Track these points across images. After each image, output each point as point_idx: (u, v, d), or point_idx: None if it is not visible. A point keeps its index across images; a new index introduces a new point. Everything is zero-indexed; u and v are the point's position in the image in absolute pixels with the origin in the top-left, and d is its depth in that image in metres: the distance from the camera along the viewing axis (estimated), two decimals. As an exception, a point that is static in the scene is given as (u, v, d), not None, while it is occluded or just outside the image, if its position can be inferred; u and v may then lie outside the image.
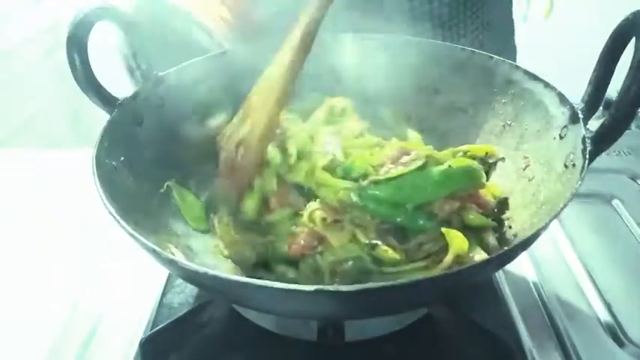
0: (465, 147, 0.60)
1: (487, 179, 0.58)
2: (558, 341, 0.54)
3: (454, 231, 0.49)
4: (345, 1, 0.61)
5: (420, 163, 0.51)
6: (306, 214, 0.54)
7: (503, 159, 0.60)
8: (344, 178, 0.54)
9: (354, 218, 0.52)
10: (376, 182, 0.51)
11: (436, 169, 0.51)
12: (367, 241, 0.51)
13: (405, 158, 0.52)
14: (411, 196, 0.51)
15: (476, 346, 0.53)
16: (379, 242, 0.51)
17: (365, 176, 0.53)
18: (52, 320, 0.58)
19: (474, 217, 0.53)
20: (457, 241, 0.48)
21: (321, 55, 0.73)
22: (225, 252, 0.58)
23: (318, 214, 0.53)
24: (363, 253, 0.51)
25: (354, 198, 0.52)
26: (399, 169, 0.51)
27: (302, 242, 0.53)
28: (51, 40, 1.70)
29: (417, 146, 0.55)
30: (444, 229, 0.49)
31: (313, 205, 0.55)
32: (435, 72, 0.68)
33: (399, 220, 0.51)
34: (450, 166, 0.51)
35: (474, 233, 0.53)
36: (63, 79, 1.62)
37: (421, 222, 0.51)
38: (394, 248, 0.50)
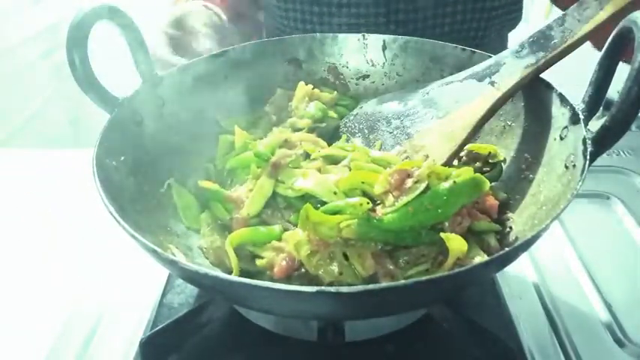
0: (468, 146, 0.60)
1: (492, 180, 0.58)
2: (558, 341, 0.54)
3: (453, 235, 0.49)
4: None
5: (423, 185, 0.50)
6: (290, 243, 0.51)
7: (504, 160, 0.60)
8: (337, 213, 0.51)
9: (350, 248, 0.50)
10: (386, 214, 0.50)
11: (442, 189, 0.50)
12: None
13: (408, 182, 0.51)
14: (422, 221, 0.50)
15: (476, 346, 0.53)
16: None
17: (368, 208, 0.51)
18: (52, 320, 0.58)
19: (479, 223, 0.53)
20: (456, 244, 0.48)
21: (321, 55, 0.73)
22: (210, 257, 0.56)
23: (305, 249, 0.49)
24: (358, 280, 0.50)
25: (363, 230, 0.49)
26: (405, 198, 0.50)
27: (284, 264, 0.51)
28: (51, 40, 1.70)
29: (415, 164, 0.52)
30: (442, 234, 0.49)
31: (298, 235, 0.51)
32: (436, 72, 0.68)
33: (406, 242, 0.51)
34: (454, 182, 0.50)
35: (475, 235, 0.52)
36: (63, 79, 1.62)
37: (427, 238, 0.50)
38: (392, 276, 0.49)
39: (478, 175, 0.51)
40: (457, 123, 0.59)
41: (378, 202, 0.52)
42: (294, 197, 0.56)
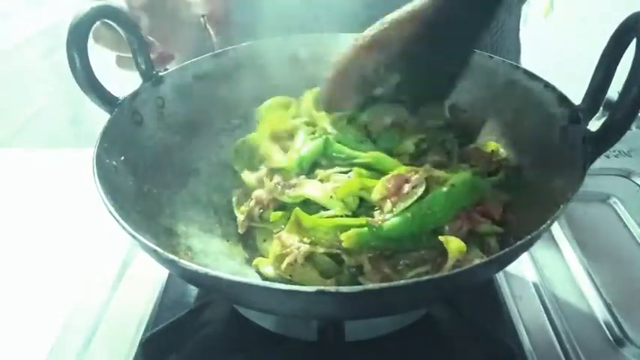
0: (472, 146, 0.60)
1: (498, 184, 0.57)
2: (558, 341, 0.54)
3: (452, 237, 0.48)
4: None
5: (422, 189, 0.50)
6: (271, 256, 0.51)
7: (507, 159, 0.59)
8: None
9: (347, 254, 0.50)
10: (385, 221, 0.49)
11: (440, 192, 0.50)
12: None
13: (406, 187, 0.50)
14: (422, 226, 0.49)
15: (476, 346, 0.53)
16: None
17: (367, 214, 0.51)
18: (52, 320, 0.58)
19: (480, 226, 0.52)
20: (455, 246, 0.48)
21: (322, 54, 0.73)
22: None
23: (288, 260, 0.49)
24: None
25: (364, 240, 0.49)
26: (403, 204, 0.49)
27: None
28: (51, 40, 1.70)
29: (413, 170, 0.52)
30: (441, 237, 0.48)
31: (276, 244, 0.50)
32: (436, 72, 0.68)
33: (407, 247, 0.50)
34: (452, 185, 0.50)
35: (475, 237, 0.52)
36: (63, 79, 1.62)
37: (428, 242, 0.50)
38: (390, 279, 0.48)
39: (476, 177, 0.51)
40: None
41: (377, 208, 0.52)
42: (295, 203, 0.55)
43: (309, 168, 0.59)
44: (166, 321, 0.55)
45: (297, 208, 0.50)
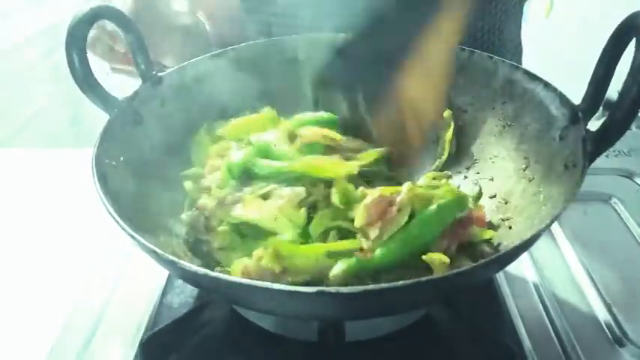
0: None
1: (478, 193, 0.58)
2: (558, 341, 0.54)
3: (434, 255, 0.47)
4: None
5: (408, 212, 0.48)
6: (255, 256, 0.48)
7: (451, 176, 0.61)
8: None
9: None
10: (374, 249, 0.47)
11: (429, 214, 0.48)
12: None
13: (391, 210, 0.48)
14: (412, 249, 0.48)
15: (476, 346, 0.53)
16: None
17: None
18: (52, 320, 0.58)
19: (468, 236, 0.52)
20: (438, 262, 0.47)
21: (321, 55, 0.73)
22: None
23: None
24: None
25: (352, 274, 0.47)
26: (392, 228, 0.48)
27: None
28: (51, 40, 1.70)
29: (395, 190, 0.50)
30: (425, 257, 0.47)
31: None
32: (435, 72, 0.68)
33: (393, 269, 0.49)
34: (438, 205, 0.49)
35: (465, 249, 0.52)
36: (63, 79, 1.63)
37: (413, 264, 0.48)
38: None
39: (461, 193, 0.52)
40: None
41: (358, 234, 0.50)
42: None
43: (245, 180, 0.56)
44: (166, 321, 0.55)
45: (276, 240, 0.47)
